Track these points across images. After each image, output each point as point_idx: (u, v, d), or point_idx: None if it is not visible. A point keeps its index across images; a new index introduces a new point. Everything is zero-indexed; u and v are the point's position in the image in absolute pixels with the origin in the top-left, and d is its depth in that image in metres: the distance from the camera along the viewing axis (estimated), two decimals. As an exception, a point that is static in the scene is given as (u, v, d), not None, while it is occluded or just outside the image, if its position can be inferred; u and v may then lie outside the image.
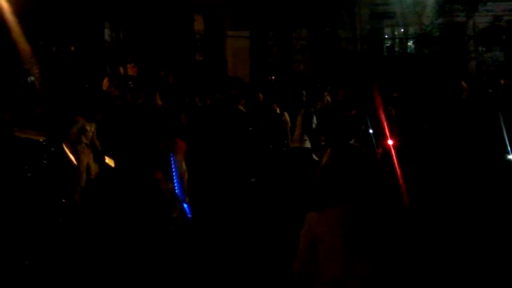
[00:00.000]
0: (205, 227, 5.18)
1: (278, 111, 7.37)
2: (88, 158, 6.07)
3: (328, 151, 1.87)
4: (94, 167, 6.27)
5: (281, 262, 4.17)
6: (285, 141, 7.29)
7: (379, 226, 1.74)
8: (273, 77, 16.10)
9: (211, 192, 6.27)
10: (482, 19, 17.05)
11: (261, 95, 8.38)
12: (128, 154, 6.48)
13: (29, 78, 11.48)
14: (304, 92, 8.76)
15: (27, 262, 4.31)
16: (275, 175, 6.87)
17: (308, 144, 6.62)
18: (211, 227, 5.21)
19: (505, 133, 5.25)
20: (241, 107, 7.84)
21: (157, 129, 5.92)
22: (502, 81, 9.49)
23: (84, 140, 6.04)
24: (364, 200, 1.76)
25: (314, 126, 6.79)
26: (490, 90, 8.16)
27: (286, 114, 7.30)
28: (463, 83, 6.98)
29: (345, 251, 1.70)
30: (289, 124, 7.29)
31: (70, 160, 5.87)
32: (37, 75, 11.12)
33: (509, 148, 5.17)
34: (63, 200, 5.84)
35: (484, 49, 16.89)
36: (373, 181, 1.77)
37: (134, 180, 5.24)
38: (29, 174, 5.97)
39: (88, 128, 6.08)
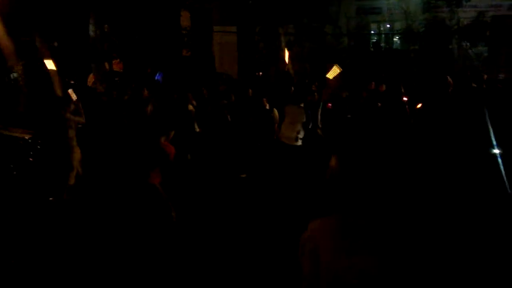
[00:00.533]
0: (196, 224, 5.17)
1: (267, 107, 7.35)
2: (79, 155, 5.97)
3: (333, 156, 1.83)
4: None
5: (274, 259, 4.19)
6: (271, 138, 7.25)
7: (380, 232, 1.72)
8: (260, 73, 16.04)
9: (201, 188, 6.26)
10: (466, 15, 17.27)
11: (250, 91, 8.35)
12: (118, 151, 6.40)
13: (12, 75, 11.23)
14: (292, 88, 8.77)
15: (13, 261, 4.25)
16: (266, 171, 6.86)
17: (300, 143, 6.59)
18: (202, 223, 5.20)
19: (490, 127, 5.34)
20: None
21: (146, 125, 5.85)
22: (485, 76, 9.63)
23: (73, 134, 5.89)
24: (366, 208, 1.73)
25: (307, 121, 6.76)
26: (474, 85, 8.27)
27: (275, 110, 7.28)
28: (449, 78, 7.09)
29: (344, 249, 1.70)
30: (277, 121, 7.26)
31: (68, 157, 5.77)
32: (20, 71, 10.88)
33: (494, 142, 5.27)
34: (50, 198, 5.77)
35: (468, 44, 17.13)
36: (378, 186, 1.73)
37: (125, 178, 5.18)
38: (14, 172, 5.89)
39: (70, 118, 5.88)
